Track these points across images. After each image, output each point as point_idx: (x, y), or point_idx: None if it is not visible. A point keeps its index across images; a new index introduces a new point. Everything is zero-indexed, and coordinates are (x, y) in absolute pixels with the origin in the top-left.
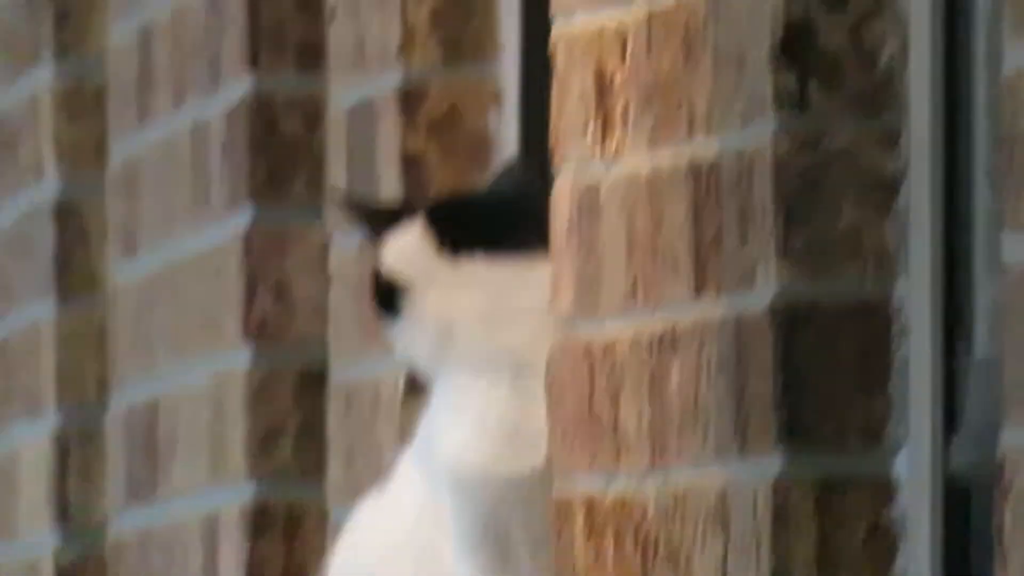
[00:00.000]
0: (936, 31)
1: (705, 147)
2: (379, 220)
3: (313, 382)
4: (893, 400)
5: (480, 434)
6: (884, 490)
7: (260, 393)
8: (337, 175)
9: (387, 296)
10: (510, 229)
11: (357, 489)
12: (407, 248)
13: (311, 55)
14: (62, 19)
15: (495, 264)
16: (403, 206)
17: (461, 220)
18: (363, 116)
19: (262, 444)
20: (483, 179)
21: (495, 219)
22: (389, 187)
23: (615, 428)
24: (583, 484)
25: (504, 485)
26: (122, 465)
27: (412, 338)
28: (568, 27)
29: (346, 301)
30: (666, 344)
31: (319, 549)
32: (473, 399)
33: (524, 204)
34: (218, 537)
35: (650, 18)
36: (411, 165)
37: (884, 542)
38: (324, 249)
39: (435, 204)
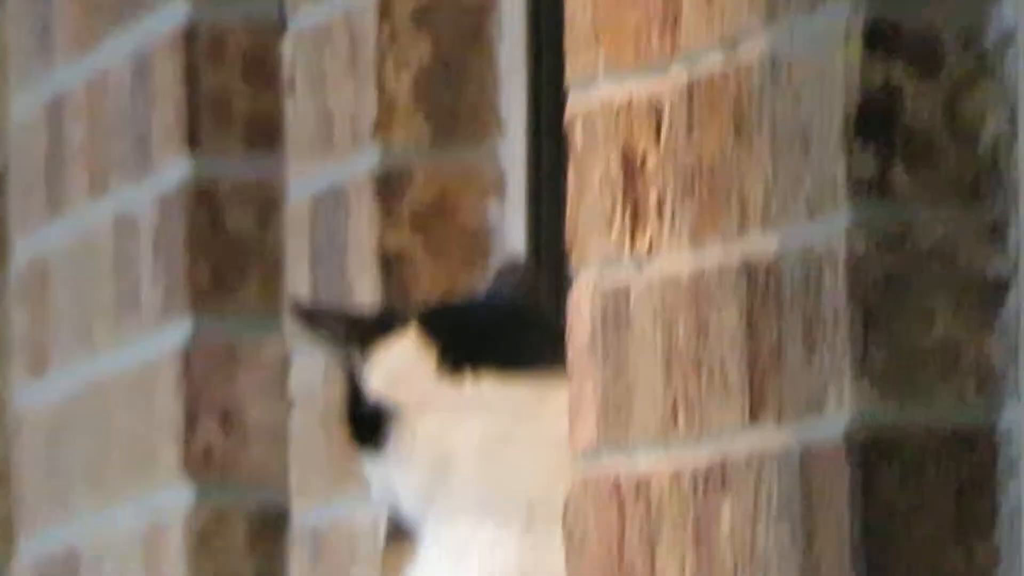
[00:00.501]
0: None
1: (762, 243)
2: (353, 333)
3: (270, 526)
4: (1000, 552)
5: None
6: None
7: (205, 540)
8: (298, 278)
9: (368, 423)
10: (520, 343)
11: None
12: (399, 365)
13: (264, 132)
14: None
15: (503, 385)
16: (384, 316)
17: (462, 332)
18: (331, 206)
19: None
20: (479, 283)
21: (502, 331)
22: (363, 293)
23: None
24: None
25: None
26: None
27: (398, 474)
28: (587, 98)
29: (310, 429)
30: (714, 481)
31: None
32: (474, 550)
33: (535, 313)
34: None
35: (691, 87)
36: (391, 266)
37: None
38: (282, 367)
39: (429, 312)
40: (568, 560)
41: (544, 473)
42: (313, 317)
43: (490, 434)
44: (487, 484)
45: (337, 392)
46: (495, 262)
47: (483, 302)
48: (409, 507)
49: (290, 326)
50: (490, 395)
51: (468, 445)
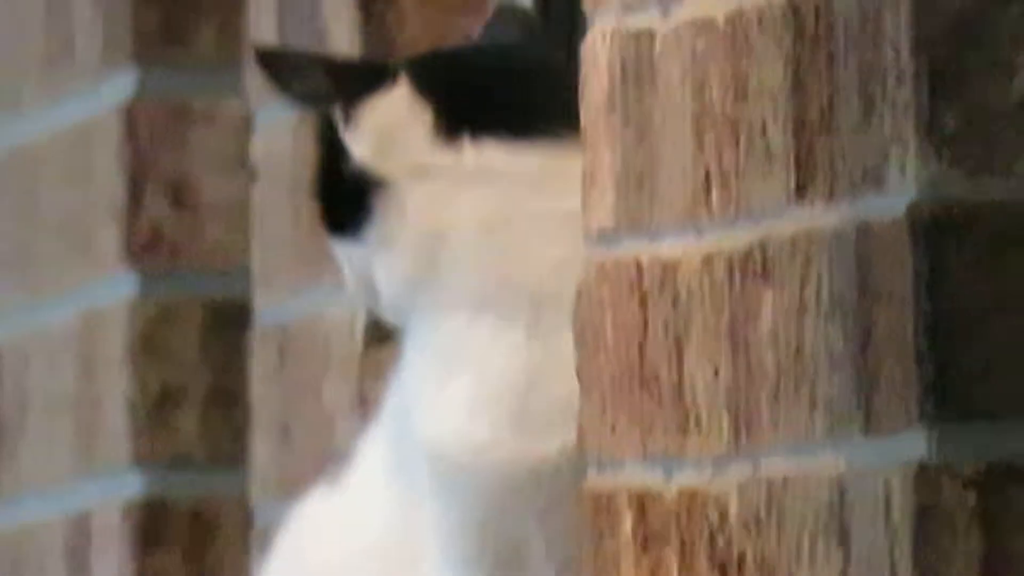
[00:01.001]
0: None
1: None
2: (334, 86)
3: (228, 323)
4: None
5: (480, 401)
6: None
7: (150, 339)
8: (261, 22)
9: (347, 197)
10: (528, 103)
11: (295, 479)
12: (388, 126)
13: None
14: None
15: (508, 153)
16: (368, 67)
17: (461, 88)
18: None
19: (154, 414)
20: (471, 31)
21: (507, 88)
22: (340, 40)
23: (679, 392)
24: (632, 474)
25: (514, 476)
26: None
27: (382, 258)
28: None
29: (275, 206)
30: (754, 268)
31: (239, 565)
32: (470, 350)
33: (544, 66)
34: (89, 549)
35: None
36: (372, 7)
37: None
38: (243, 131)
39: (421, 64)
40: (580, 361)
41: (554, 258)
42: (284, 65)
43: (492, 211)
44: (487, 270)
45: (309, 160)
46: (491, 4)
47: (484, 53)
48: (393, 298)
49: (253, 79)
50: (493, 164)
51: (466, 224)
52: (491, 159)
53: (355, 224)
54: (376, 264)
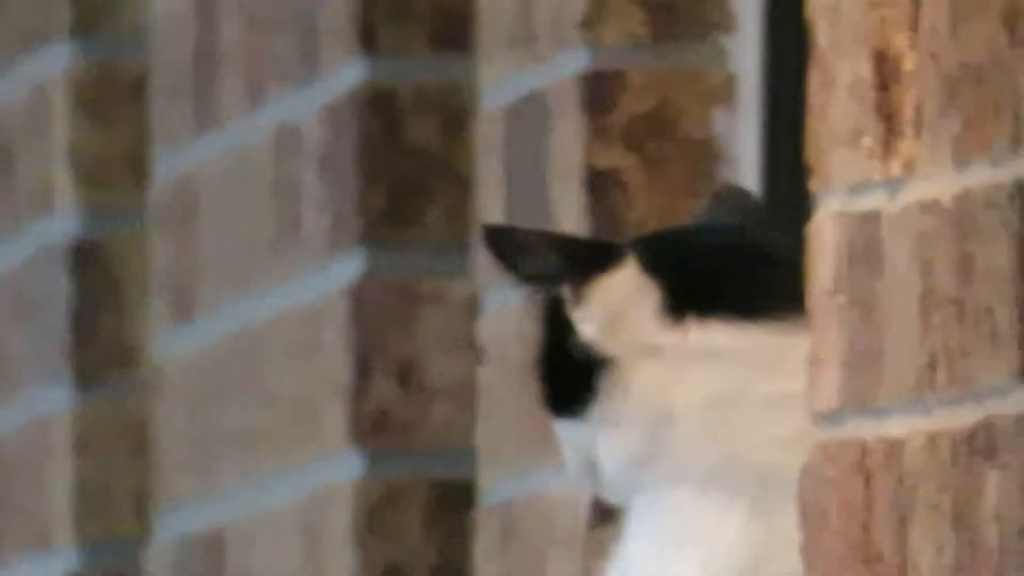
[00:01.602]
0: None
1: None
2: (563, 265)
3: (453, 502)
4: None
5: None
6: None
7: (376, 518)
8: (490, 203)
9: (572, 377)
10: (754, 283)
11: None
12: (616, 306)
13: (451, 29)
14: None
15: (734, 333)
16: (596, 246)
17: (688, 268)
18: (530, 116)
19: None
20: (696, 209)
21: (733, 268)
22: (567, 219)
23: (903, 570)
24: None
25: None
26: None
27: (607, 436)
28: None
29: (501, 386)
30: (979, 447)
31: None
32: (695, 527)
33: (770, 247)
34: None
35: None
36: (601, 187)
37: None
38: (470, 312)
39: (648, 244)
40: (804, 540)
41: (780, 437)
42: (512, 243)
43: (718, 390)
44: (713, 447)
45: (534, 340)
46: (714, 186)
47: (710, 232)
48: (616, 476)
49: (481, 259)
50: (719, 344)
51: (692, 402)
52: (717, 339)
53: (580, 404)
54: (600, 442)
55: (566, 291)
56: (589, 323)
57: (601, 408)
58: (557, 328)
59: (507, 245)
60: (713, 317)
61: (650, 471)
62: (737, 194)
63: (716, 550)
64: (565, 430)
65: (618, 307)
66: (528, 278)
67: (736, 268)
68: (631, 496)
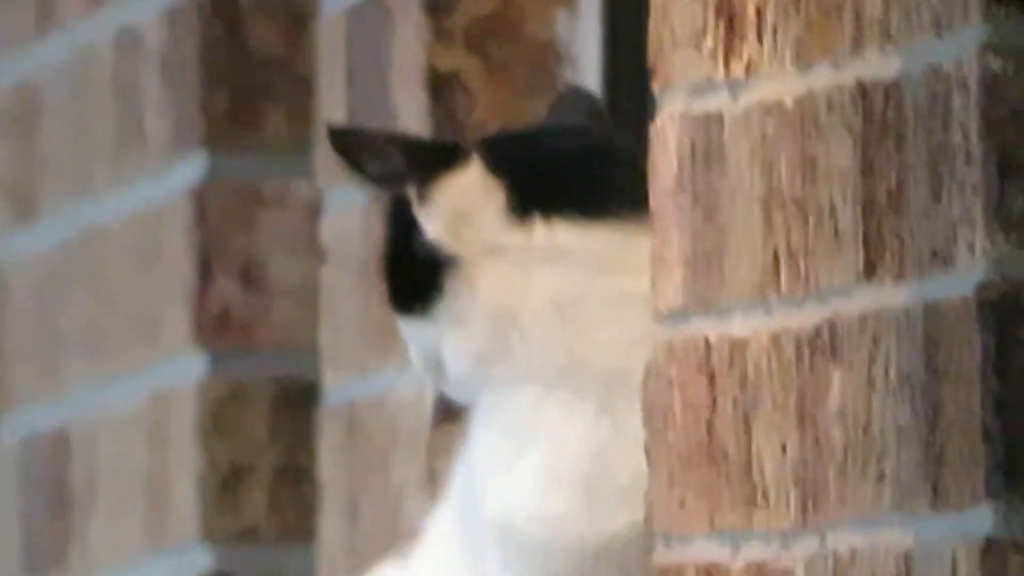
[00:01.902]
0: None
1: (880, 64)
2: (409, 165)
3: (297, 402)
4: None
5: (551, 477)
6: None
7: (220, 418)
8: (332, 106)
9: (418, 276)
10: (600, 183)
11: (363, 556)
12: (462, 206)
13: None
14: None
15: (580, 233)
16: (441, 147)
17: (533, 168)
18: (372, 18)
19: (223, 491)
20: (539, 111)
21: (579, 168)
22: (409, 122)
23: (747, 468)
24: (701, 549)
25: (585, 551)
26: (17, 522)
27: (452, 337)
28: None
29: (344, 287)
30: (822, 347)
31: None
32: (541, 426)
33: (615, 147)
34: None
35: None
36: (442, 90)
37: None
38: (313, 213)
39: (494, 144)
40: (648, 438)
41: (625, 337)
42: (357, 145)
43: (564, 291)
44: (558, 349)
45: (378, 241)
46: (557, 87)
47: (555, 133)
48: (462, 375)
49: (323, 161)
50: (565, 244)
51: (538, 303)
52: (563, 239)
53: (425, 302)
54: (445, 341)
55: (411, 191)
56: (434, 223)
57: (447, 308)
58: (402, 228)
59: (352, 146)
60: (558, 217)
61: (496, 371)
62: (580, 96)
63: (562, 450)
64: (410, 329)
65: (463, 207)
66: (373, 178)
67: (581, 168)
68: (477, 395)
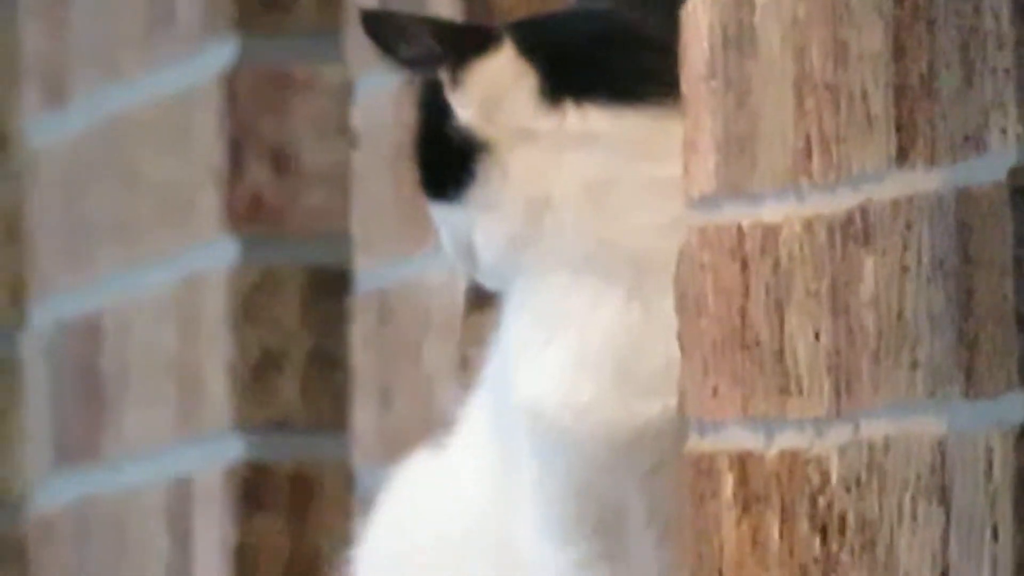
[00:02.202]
0: None
1: None
2: (441, 49)
3: (329, 289)
4: None
5: (582, 363)
6: None
7: (251, 304)
8: None
9: (450, 161)
10: (631, 68)
11: (396, 444)
12: (494, 90)
13: None
14: None
15: (611, 118)
16: (472, 30)
17: (564, 52)
18: None
19: (255, 379)
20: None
21: (610, 52)
22: (440, 8)
23: (780, 355)
24: (734, 436)
25: (615, 438)
26: (48, 411)
27: (484, 221)
28: None
29: (376, 172)
30: (855, 233)
31: (339, 531)
32: (572, 312)
33: (646, 31)
34: (191, 513)
35: None
36: None
37: None
38: (344, 98)
39: (525, 28)
40: (681, 325)
41: (656, 223)
42: (388, 28)
43: (595, 175)
44: (590, 233)
45: (409, 125)
46: None
47: (587, 18)
48: (493, 261)
49: (354, 46)
50: (597, 129)
51: (569, 187)
52: (594, 124)
53: (457, 187)
54: (477, 227)
55: (443, 75)
56: (466, 107)
57: (479, 192)
58: (434, 112)
59: (384, 30)
60: (590, 101)
61: (527, 257)
62: None
63: (593, 334)
64: (442, 214)
65: (495, 90)
66: (405, 62)
67: (613, 53)
68: (509, 281)
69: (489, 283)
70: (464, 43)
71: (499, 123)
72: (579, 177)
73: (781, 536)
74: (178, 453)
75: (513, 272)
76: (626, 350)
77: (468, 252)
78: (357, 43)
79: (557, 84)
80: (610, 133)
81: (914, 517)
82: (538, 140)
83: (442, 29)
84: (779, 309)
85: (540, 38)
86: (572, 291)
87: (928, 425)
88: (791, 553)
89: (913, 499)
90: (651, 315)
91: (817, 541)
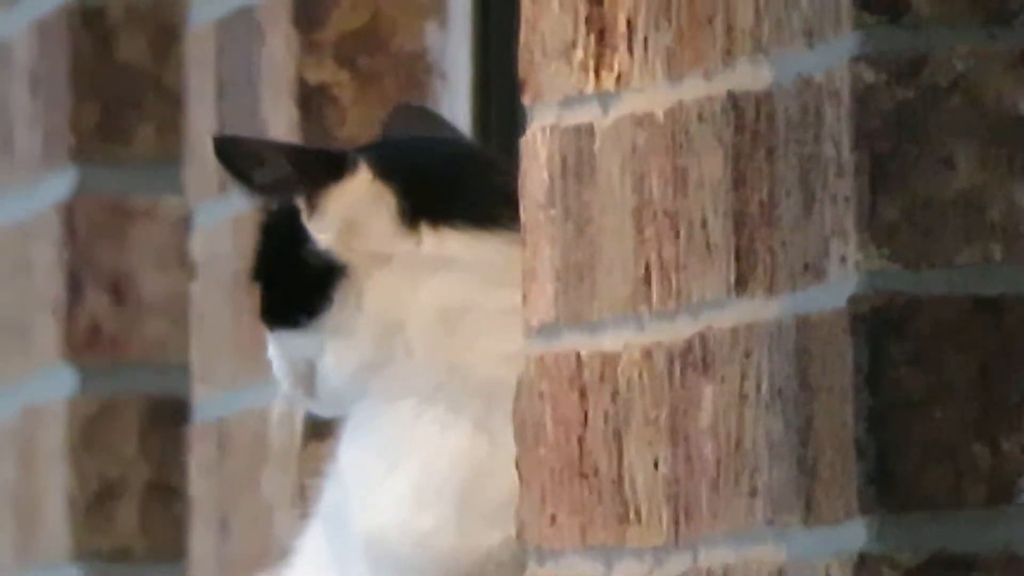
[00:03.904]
0: None
1: (751, 75)
2: (295, 175)
3: (167, 418)
4: None
5: (422, 492)
6: (1018, 573)
7: (90, 434)
8: (201, 119)
9: (301, 289)
10: (483, 194)
11: (234, 573)
12: (351, 213)
13: None
14: None
15: (469, 241)
16: (328, 154)
17: (423, 176)
18: (240, 33)
19: (94, 508)
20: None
21: (466, 176)
22: (280, 134)
23: (619, 484)
24: (572, 565)
25: (457, 568)
26: None
27: (335, 348)
28: None
29: (215, 302)
30: (694, 360)
31: None
32: (417, 440)
33: (496, 160)
34: None
35: None
36: (313, 102)
37: None
38: (182, 228)
39: (379, 151)
40: (519, 454)
41: (508, 352)
42: (243, 152)
43: (450, 300)
44: (441, 361)
45: (249, 252)
46: (426, 100)
47: (438, 142)
48: (341, 387)
49: (192, 176)
50: (452, 253)
51: (423, 313)
52: (450, 247)
53: (307, 313)
54: (327, 352)
55: (299, 200)
56: (325, 231)
57: (332, 318)
58: (283, 238)
59: (239, 155)
60: (447, 225)
61: (375, 383)
62: (418, 112)
63: (436, 464)
64: (283, 340)
65: (354, 214)
66: (259, 188)
67: (467, 177)
68: (348, 407)
69: (324, 411)
70: (320, 168)
71: (358, 247)
72: (434, 302)
73: None
74: None
75: (357, 398)
76: (470, 480)
77: (307, 379)
78: (196, 173)
79: (414, 207)
80: (465, 257)
81: None
82: (394, 264)
83: (298, 154)
84: (618, 437)
85: (395, 162)
86: (419, 419)
87: (768, 553)
88: None
89: None
90: (497, 447)
91: None
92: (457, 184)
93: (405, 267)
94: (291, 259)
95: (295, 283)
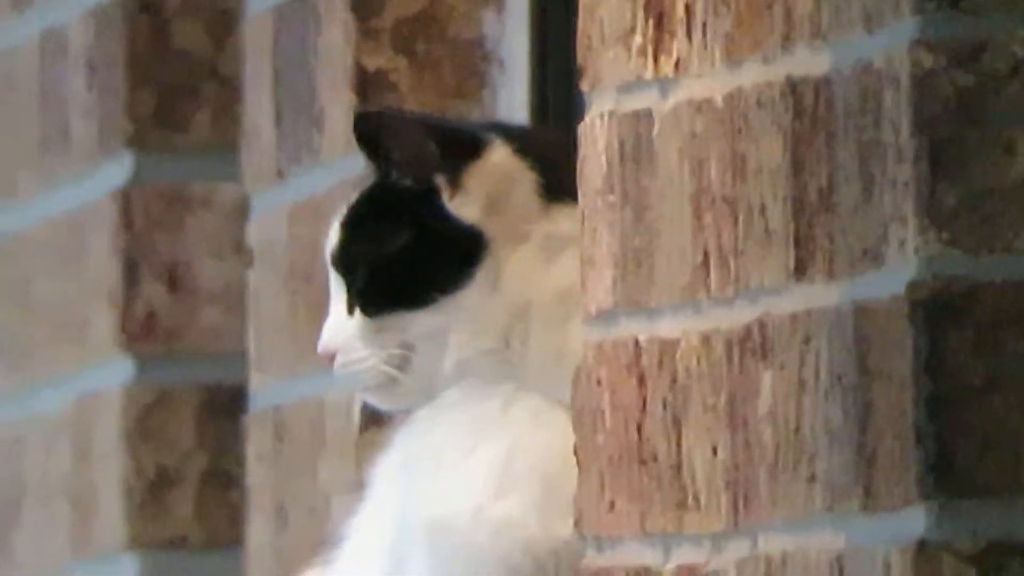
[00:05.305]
0: None
1: (810, 60)
2: (430, 153)
3: (224, 407)
4: None
5: (504, 478)
6: None
7: (146, 424)
8: (258, 106)
9: (437, 268)
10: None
11: (290, 561)
12: (497, 187)
13: None
14: None
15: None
16: (464, 131)
17: (555, 157)
18: (297, 20)
19: (150, 497)
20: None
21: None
22: (335, 125)
23: (678, 470)
24: (631, 552)
25: (532, 557)
26: None
27: (467, 327)
28: None
29: (272, 290)
30: (753, 347)
31: None
32: (506, 427)
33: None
34: None
35: None
36: (371, 88)
37: None
38: (239, 216)
39: (510, 131)
40: (579, 441)
41: None
42: (385, 128)
43: (571, 281)
44: (551, 347)
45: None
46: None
47: (548, 128)
48: (450, 367)
49: (249, 162)
50: (577, 233)
51: (547, 293)
52: (576, 227)
53: (441, 291)
54: (452, 333)
55: (440, 178)
56: (469, 207)
57: (467, 296)
58: (393, 221)
59: (379, 131)
60: (573, 203)
61: (484, 367)
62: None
63: (525, 451)
64: (391, 325)
65: (498, 190)
66: (398, 165)
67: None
68: (436, 396)
69: (400, 402)
70: (462, 145)
71: (500, 223)
72: (557, 283)
73: None
74: (73, 575)
75: (453, 383)
76: (558, 472)
77: (401, 365)
78: (252, 160)
79: (549, 184)
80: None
81: None
82: (531, 241)
83: (443, 131)
84: (676, 424)
85: (525, 139)
86: (512, 405)
87: (826, 540)
88: None
89: None
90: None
91: None
92: (572, 164)
93: (541, 245)
94: (419, 238)
95: (426, 262)
